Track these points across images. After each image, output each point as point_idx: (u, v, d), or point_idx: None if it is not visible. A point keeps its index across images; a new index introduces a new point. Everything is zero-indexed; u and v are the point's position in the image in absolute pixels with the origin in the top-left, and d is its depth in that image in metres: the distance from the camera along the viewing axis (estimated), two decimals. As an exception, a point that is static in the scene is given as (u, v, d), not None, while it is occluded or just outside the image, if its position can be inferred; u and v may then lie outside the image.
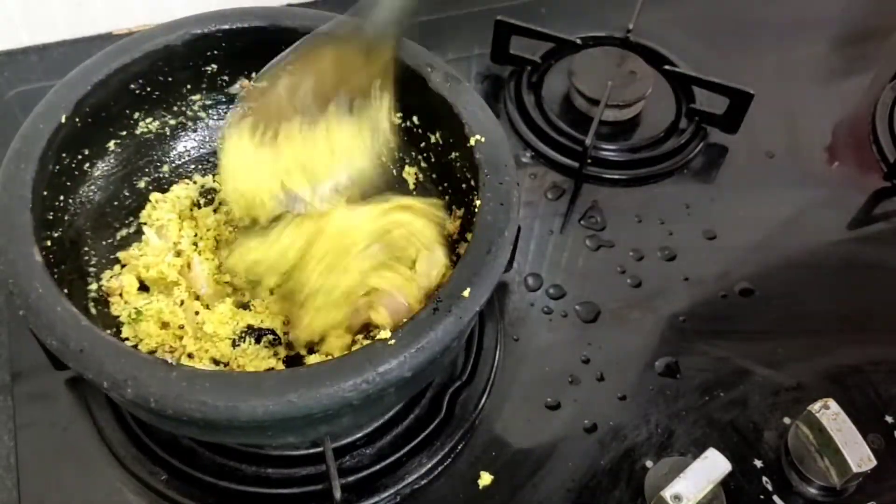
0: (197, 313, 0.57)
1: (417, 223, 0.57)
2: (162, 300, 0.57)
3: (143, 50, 0.59)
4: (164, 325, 0.56)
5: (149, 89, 0.62)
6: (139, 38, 0.60)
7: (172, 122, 0.65)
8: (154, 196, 0.63)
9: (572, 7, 0.90)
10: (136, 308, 0.55)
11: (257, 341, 0.59)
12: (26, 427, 0.58)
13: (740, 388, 0.63)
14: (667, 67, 0.82)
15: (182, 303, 0.58)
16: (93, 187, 0.60)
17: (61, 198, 0.57)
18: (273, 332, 0.59)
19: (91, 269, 0.59)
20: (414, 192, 0.65)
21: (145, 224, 0.62)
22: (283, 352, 0.59)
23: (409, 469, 0.57)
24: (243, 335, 0.59)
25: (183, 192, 0.64)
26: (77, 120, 0.56)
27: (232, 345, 0.58)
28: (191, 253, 0.60)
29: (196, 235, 0.62)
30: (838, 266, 0.72)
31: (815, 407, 0.56)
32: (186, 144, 0.66)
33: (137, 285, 0.58)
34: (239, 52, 0.63)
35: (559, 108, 0.81)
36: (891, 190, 0.77)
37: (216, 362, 0.57)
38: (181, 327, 0.56)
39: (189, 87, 0.64)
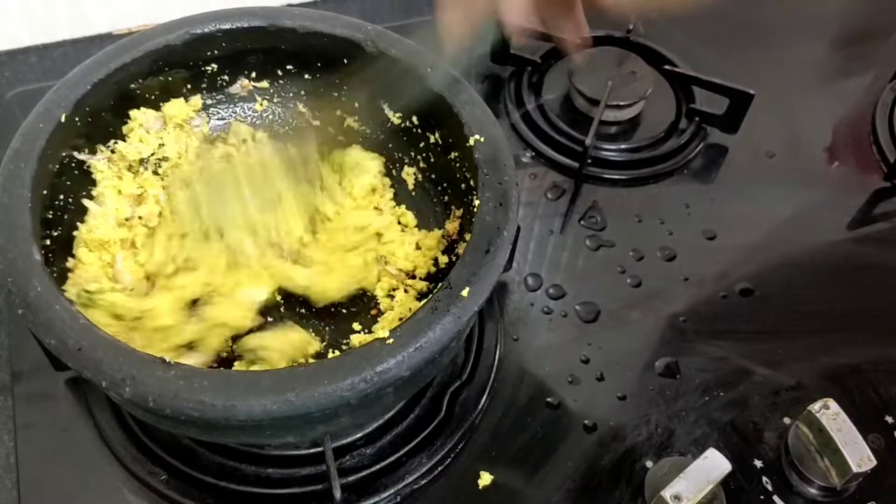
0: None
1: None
2: (116, 293, 0.55)
3: (142, 50, 0.59)
4: (118, 317, 0.54)
5: (149, 89, 0.62)
6: (139, 38, 0.60)
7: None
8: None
9: (572, 7, 0.90)
10: (86, 290, 0.54)
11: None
12: (26, 427, 0.58)
13: (740, 388, 0.63)
14: (667, 67, 0.82)
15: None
16: (92, 187, 0.60)
17: (61, 197, 0.57)
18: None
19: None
20: (413, 193, 0.65)
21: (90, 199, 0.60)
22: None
23: (409, 469, 0.57)
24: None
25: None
26: (77, 119, 0.56)
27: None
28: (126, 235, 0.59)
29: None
30: (838, 266, 0.72)
31: (815, 407, 0.56)
32: (186, 144, 0.66)
33: (91, 262, 0.57)
34: (239, 52, 0.63)
35: (559, 109, 0.81)
36: (891, 190, 0.77)
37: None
38: (136, 319, 0.54)
39: (189, 87, 0.64)
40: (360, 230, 0.61)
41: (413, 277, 0.60)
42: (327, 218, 0.61)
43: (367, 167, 0.64)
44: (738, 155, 0.79)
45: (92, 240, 0.56)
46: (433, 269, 0.61)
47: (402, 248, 0.60)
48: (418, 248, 0.61)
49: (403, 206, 0.64)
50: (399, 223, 0.63)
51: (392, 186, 0.65)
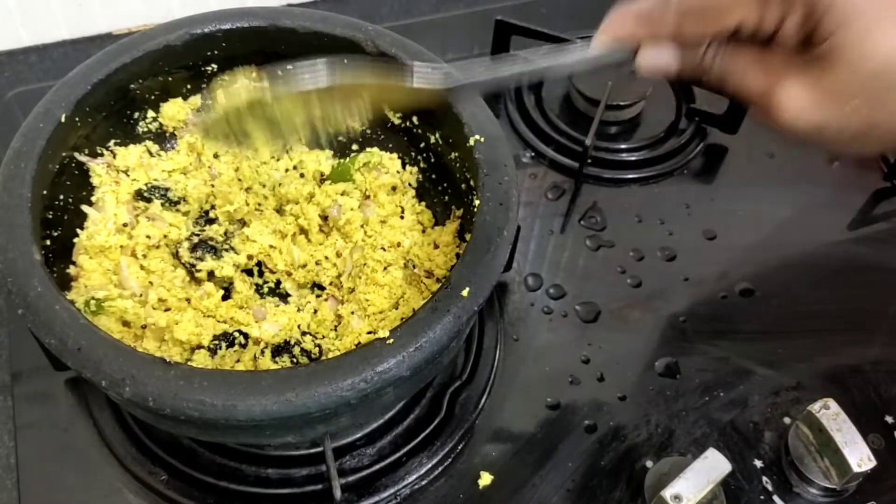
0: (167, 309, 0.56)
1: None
2: (126, 300, 0.55)
3: (143, 50, 0.59)
4: (126, 324, 0.55)
5: (149, 89, 0.62)
6: (139, 37, 0.60)
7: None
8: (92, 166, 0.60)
9: (572, 7, 0.90)
10: (94, 298, 0.54)
11: (230, 345, 0.56)
12: (26, 427, 0.58)
13: (740, 388, 0.63)
14: (667, 67, 0.82)
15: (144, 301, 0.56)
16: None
17: (61, 197, 0.57)
18: (241, 332, 0.57)
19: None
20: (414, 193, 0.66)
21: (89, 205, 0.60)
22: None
23: (410, 469, 0.57)
24: (217, 342, 0.56)
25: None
26: (77, 119, 0.56)
27: (211, 353, 0.55)
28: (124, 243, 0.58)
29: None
30: (838, 266, 0.72)
31: (815, 407, 0.56)
32: (186, 144, 0.66)
33: (93, 269, 0.56)
34: (239, 52, 0.63)
35: (559, 109, 0.81)
36: (891, 190, 0.77)
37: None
38: (143, 328, 0.55)
39: (189, 87, 0.64)
40: (393, 247, 0.61)
41: (431, 276, 0.60)
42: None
43: (386, 166, 0.64)
44: (738, 155, 0.79)
45: (92, 246, 0.56)
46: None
47: (423, 249, 0.60)
48: (436, 246, 0.61)
49: (423, 204, 0.64)
50: (419, 223, 0.63)
51: (410, 185, 0.65)
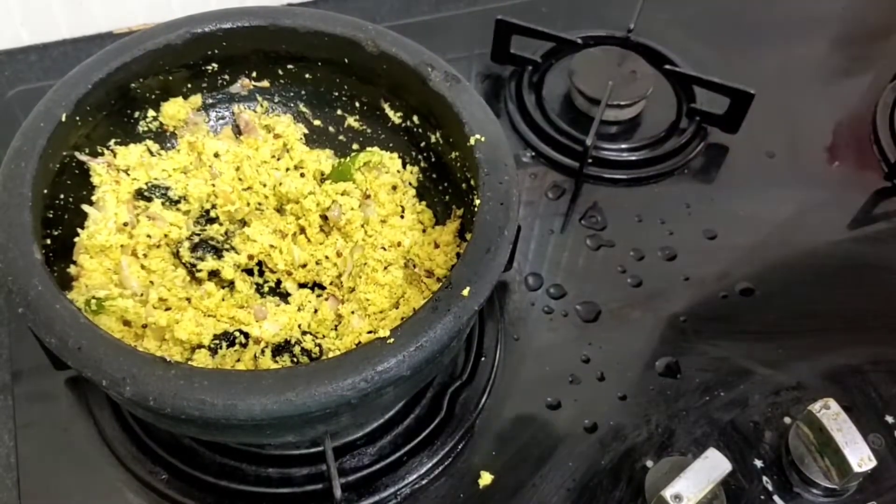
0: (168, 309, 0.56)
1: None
2: (127, 300, 0.55)
3: (143, 49, 0.59)
4: (126, 324, 0.55)
5: (149, 88, 0.62)
6: (139, 37, 0.60)
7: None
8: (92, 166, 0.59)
9: (573, 6, 0.90)
10: (95, 297, 0.54)
11: (230, 345, 0.56)
12: (26, 427, 0.58)
13: (740, 388, 0.63)
14: (667, 67, 0.82)
15: (144, 300, 0.56)
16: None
17: (61, 197, 0.57)
18: (241, 331, 0.56)
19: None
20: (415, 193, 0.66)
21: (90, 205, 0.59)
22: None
23: (410, 468, 0.57)
24: (218, 341, 0.55)
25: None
26: (77, 118, 0.56)
27: (211, 353, 0.55)
28: (124, 243, 0.58)
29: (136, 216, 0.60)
30: (838, 266, 0.72)
31: (816, 407, 0.56)
32: (187, 144, 0.66)
33: (94, 268, 0.56)
34: (239, 52, 0.63)
35: (560, 108, 0.81)
36: (891, 190, 0.77)
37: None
38: (144, 327, 0.55)
39: (189, 86, 0.64)
40: (393, 247, 0.61)
41: (431, 276, 0.60)
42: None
43: (387, 165, 0.64)
44: (739, 155, 0.79)
45: (93, 246, 0.56)
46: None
47: (423, 249, 0.60)
48: (436, 245, 0.61)
49: (424, 204, 0.64)
50: (420, 223, 0.63)
51: (410, 184, 0.65)
